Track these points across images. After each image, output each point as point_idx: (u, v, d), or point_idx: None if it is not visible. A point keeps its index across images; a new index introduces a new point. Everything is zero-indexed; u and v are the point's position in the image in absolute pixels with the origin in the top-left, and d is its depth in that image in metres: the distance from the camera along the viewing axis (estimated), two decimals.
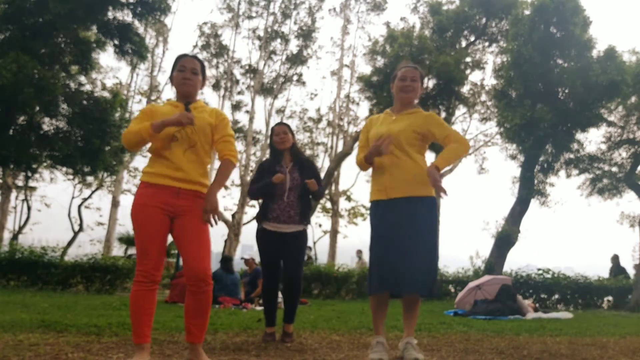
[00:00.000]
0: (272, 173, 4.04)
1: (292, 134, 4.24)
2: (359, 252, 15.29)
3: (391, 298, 3.32)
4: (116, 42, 12.42)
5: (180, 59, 2.91)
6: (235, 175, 22.55)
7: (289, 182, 4.04)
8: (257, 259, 7.30)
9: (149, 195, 2.74)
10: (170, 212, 2.75)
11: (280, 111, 23.02)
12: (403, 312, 3.34)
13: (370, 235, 3.32)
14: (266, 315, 4.11)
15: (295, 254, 4.03)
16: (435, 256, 3.21)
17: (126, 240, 19.26)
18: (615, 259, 13.63)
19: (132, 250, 17.81)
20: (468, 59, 16.34)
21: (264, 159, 4.43)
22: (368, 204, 3.44)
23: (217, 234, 20.36)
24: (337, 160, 18.97)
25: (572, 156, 14.35)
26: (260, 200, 4.18)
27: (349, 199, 24.44)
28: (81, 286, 11.02)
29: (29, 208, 20.04)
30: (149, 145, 2.84)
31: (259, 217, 4.09)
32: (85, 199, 21.31)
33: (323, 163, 22.49)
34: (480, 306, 7.80)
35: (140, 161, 22.34)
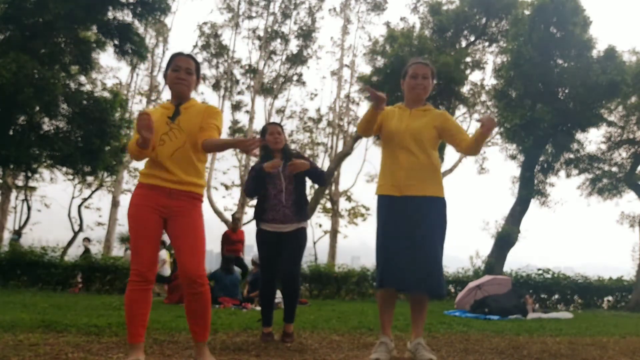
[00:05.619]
0: (265, 175, 3.94)
1: (284, 135, 4.20)
2: None
3: (399, 292, 3.30)
4: (116, 42, 12.41)
5: (175, 58, 2.87)
6: (235, 175, 22.58)
7: (284, 181, 3.98)
8: None
9: (143, 196, 2.76)
10: (164, 212, 2.75)
11: (280, 111, 23.02)
12: (411, 312, 3.31)
13: (378, 229, 3.27)
14: (263, 315, 4.09)
15: (293, 252, 3.97)
16: (441, 258, 3.20)
17: (126, 240, 19.28)
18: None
19: None
20: (468, 59, 16.33)
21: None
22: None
23: (217, 234, 20.28)
24: (337, 160, 18.95)
25: (572, 156, 14.36)
26: (255, 201, 4.11)
27: (349, 199, 24.44)
28: (81, 286, 11.03)
29: (29, 208, 20.06)
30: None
31: (256, 219, 4.05)
32: (85, 199, 21.33)
33: (323, 163, 22.49)
34: (490, 304, 7.69)
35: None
